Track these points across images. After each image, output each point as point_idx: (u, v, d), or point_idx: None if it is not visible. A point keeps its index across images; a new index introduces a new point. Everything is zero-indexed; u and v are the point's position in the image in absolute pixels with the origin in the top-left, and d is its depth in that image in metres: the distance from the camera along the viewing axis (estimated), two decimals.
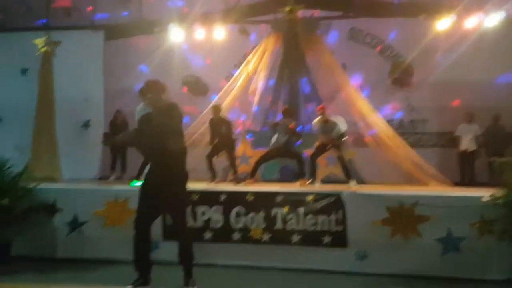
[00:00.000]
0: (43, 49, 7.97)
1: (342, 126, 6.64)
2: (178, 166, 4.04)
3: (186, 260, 4.08)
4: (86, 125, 8.19)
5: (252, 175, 6.77)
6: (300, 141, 7.18)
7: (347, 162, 6.71)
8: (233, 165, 7.13)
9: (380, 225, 5.04)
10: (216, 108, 7.24)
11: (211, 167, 7.08)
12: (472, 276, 4.82)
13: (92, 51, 8.22)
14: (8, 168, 5.54)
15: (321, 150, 6.86)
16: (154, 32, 8.47)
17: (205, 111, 7.83)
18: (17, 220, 5.27)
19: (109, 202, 5.53)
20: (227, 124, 7.14)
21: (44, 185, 5.88)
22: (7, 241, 5.33)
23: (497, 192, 4.87)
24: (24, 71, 8.29)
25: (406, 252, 4.97)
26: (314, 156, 6.86)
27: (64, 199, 5.66)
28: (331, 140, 6.62)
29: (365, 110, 7.65)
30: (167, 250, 5.23)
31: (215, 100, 8.09)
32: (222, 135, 7.03)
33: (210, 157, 7.08)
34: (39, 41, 7.95)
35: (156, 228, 5.24)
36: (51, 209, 5.61)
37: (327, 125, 6.62)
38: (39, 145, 7.92)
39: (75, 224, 5.57)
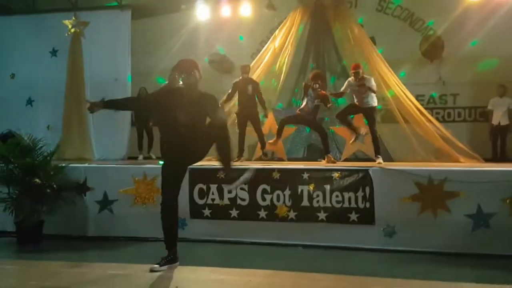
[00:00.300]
0: (72, 30, 8.13)
1: (374, 83, 6.42)
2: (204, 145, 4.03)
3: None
4: None
5: (278, 135, 6.66)
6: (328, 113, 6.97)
7: (378, 136, 6.53)
8: (261, 139, 6.91)
9: (409, 202, 4.97)
10: (245, 68, 6.91)
11: (241, 142, 6.82)
12: (503, 253, 4.72)
13: (120, 30, 8.26)
14: (40, 147, 5.71)
15: (349, 110, 6.66)
16: (181, 9, 8.44)
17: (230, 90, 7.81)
18: (49, 198, 5.46)
19: (137, 180, 5.65)
20: (255, 83, 6.82)
21: (74, 164, 6.08)
22: (39, 219, 5.50)
23: None
24: (54, 52, 8.46)
25: (435, 228, 4.91)
26: (342, 115, 6.65)
27: (94, 178, 5.81)
28: (364, 107, 6.41)
29: (394, 84, 7.43)
30: (194, 228, 5.43)
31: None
32: (247, 96, 6.70)
33: (240, 132, 6.82)
34: (68, 22, 8.10)
35: (184, 206, 5.41)
36: (81, 187, 5.77)
37: (362, 82, 6.34)
38: (70, 125, 8.18)
39: (105, 203, 5.71)
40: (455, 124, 8.31)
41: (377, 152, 6.40)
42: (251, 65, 7.68)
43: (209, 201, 5.47)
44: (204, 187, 5.48)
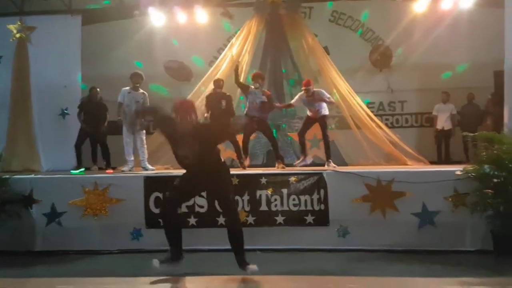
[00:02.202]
0: (17, 35, 7.78)
1: (326, 94, 6.65)
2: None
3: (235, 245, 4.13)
4: (64, 113, 7.98)
5: (245, 153, 6.70)
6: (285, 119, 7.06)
7: (329, 141, 6.75)
8: (236, 149, 6.83)
9: (360, 202, 5.21)
10: (218, 82, 6.93)
11: None
12: (447, 248, 5.04)
13: (69, 36, 7.97)
14: None
15: (307, 125, 6.86)
16: (134, 15, 8.30)
17: (188, 97, 7.77)
18: None
19: (88, 190, 5.44)
20: (228, 98, 6.84)
21: (19, 176, 5.75)
22: None
23: (469, 166, 5.09)
24: None
25: (385, 227, 5.17)
26: (302, 133, 6.86)
27: (41, 190, 5.52)
28: (317, 117, 6.63)
29: (346, 92, 7.74)
30: (150, 239, 5.31)
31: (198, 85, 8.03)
32: (221, 110, 6.67)
33: None
34: (13, 27, 7.74)
35: (139, 216, 5.31)
36: (27, 200, 5.45)
37: (313, 98, 6.54)
38: (15, 135, 7.74)
39: (53, 215, 5.43)
40: (403, 129, 8.79)
41: (329, 156, 6.62)
42: (208, 72, 7.71)
43: None
44: (161, 195, 5.35)
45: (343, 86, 7.75)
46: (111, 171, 6.78)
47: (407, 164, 7.07)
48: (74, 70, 8.04)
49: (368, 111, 7.84)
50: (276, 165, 6.64)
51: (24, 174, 6.09)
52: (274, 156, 6.87)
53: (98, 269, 4.47)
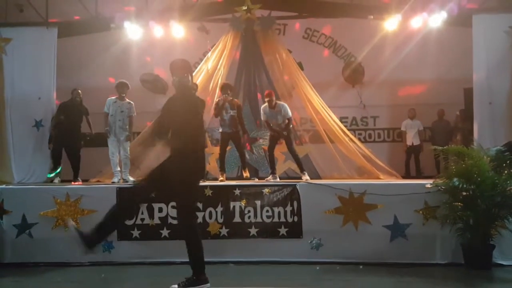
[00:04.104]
0: None
1: (289, 111, 6.75)
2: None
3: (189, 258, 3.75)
4: (38, 125, 7.87)
5: (223, 170, 6.75)
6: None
7: (298, 154, 6.85)
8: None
9: (333, 214, 5.30)
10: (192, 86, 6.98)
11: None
12: (418, 261, 5.13)
13: (45, 48, 7.88)
14: None
15: (274, 141, 6.95)
16: (110, 29, 8.31)
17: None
18: None
19: (59, 201, 5.41)
20: (202, 102, 6.86)
21: None
22: None
23: (439, 179, 5.23)
24: None
25: (357, 239, 5.25)
26: (271, 149, 6.95)
27: (12, 200, 5.49)
28: (280, 130, 6.72)
29: (319, 107, 7.89)
30: (122, 251, 5.28)
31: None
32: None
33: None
34: None
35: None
36: None
37: (275, 109, 6.70)
38: None
39: (23, 226, 5.39)
40: (376, 144, 9.00)
41: (302, 169, 6.68)
42: None
43: (139, 221, 5.36)
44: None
45: (317, 100, 7.91)
46: (80, 183, 6.69)
47: (379, 178, 7.21)
48: (49, 82, 7.95)
49: (342, 125, 8.00)
50: (243, 172, 6.76)
51: None
52: (248, 168, 6.97)
53: (68, 281, 4.43)
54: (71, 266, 5.15)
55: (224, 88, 6.73)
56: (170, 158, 3.72)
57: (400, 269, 4.92)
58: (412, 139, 8.49)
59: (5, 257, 5.37)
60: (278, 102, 6.86)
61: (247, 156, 7.88)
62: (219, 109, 6.65)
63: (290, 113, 6.75)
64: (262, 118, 7.08)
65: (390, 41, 8.34)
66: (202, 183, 5.83)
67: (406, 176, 8.17)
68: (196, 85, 7.00)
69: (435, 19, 7.47)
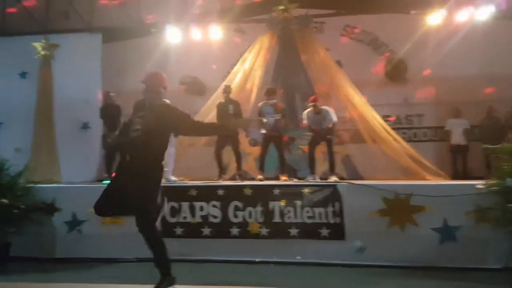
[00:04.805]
0: (42, 52, 8.06)
1: (334, 116, 6.66)
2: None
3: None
4: (85, 127, 8.22)
5: (261, 169, 6.76)
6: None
7: (334, 158, 6.71)
8: (237, 159, 6.92)
9: (377, 216, 5.09)
10: (227, 88, 6.99)
11: (220, 163, 6.86)
12: (469, 265, 4.86)
13: (90, 53, 8.26)
14: (8, 168, 5.60)
15: (316, 142, 6.85)
16: (151, 33, 8.54)
17: (202, 110, 7.89)
18: (17, 219, 5.32)
19: None
20: (236, 103, 6.87)
21: (43, 185, 5.94)
22: (6, 241, 5.37)
23: (491, 179, 4.93)
24: (23, 75, 8.33)
25: (403, 242, 5.02)
26: (311, 150, 6.85)
27: (63, 198, 5.72)
28: (323, 133, 6.63)
29: (361, 106, 7.69)
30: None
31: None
32: (228, 115, 6.66)
33: (218, 151, 6.86)
34: (38, 45, 8.03)
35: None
36: (50, 208, 5.66)
37: (320, 115, 6.63)
38: (39, 147, 7.96)
39: (74, 223, 5.62)
40: (422, 143, 8.62)
41: (332, 170, 6.55)
42: (221, 86, 7.78)
43: (181, 219, 5.44)
44: (176, 205, 5.44)
45: (358, 99, 7.72)
46: None
47: (426, 179, 6.93)
48: (94, 85, 8.29)
49: (385, 124, 7.74)
50: (280, 177, 6.66)
51: (47, 184, 6.24)
52: (287, 168, 6.91)
53: (115, 276, 4.54)
54: (118, 261, 5.30)
55: (269, 92, 6.75)
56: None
57: (450, 274, 4.68)
58: (457, 138, 8.09)
59: (56, 252, 5.60)
60: (323, 107, 6.74)
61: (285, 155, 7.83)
62: (261, 114, 6.71)
63: (335, 118, 6.65)
64: (304, 123, 6.95)
65: (434, 36, 8.03)
66: (240, 183, 5.98)
67: (454, 177, 7.79)
68: (230, 88, 7.12)
69: (482, 13, 7.11)
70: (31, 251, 5.52)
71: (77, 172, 7.81)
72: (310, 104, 6.70)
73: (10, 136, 8.14)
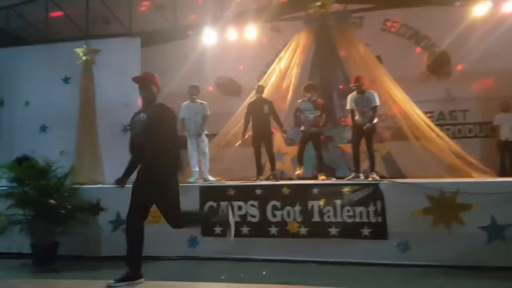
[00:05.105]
0: (83, 58, 8.36)
1: (377, 99, 6.25)
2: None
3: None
4: (126, 129, 8.45)
5: (300, 164, 6.69)
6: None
7: (374, 154, 6.38)
8: (271, 160, 6.83)
9: (421, 215, 4.92)
10: (260, 88, 6.98)
11: (259, 163, 6.82)
12: None
13: (130, 57, 8.47)
14: (54, 170, 5.83)
15: (358, 138, 6.44)
16: (188, 35, 8.67)
17: (238, 111, 7.91)
18: (64, 219, 5.53)
19: None
20: (270, 103, 6.83)
21: (88, 186, 6.19)
22: (54, 240, 5.58)
23: None
24: (66, 80, 8.68)
25: (449, 241, 4.84)
26: (355, 146, 6.46)
27: (107, 198, 5.88)
28: (363, 122, 6.23)
29: (403, 102, 7.44)
30: (206, 246, 5.45)
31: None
32: (263, 115, 6.69)
33: (256, 152, 6.82)
34: (80, 50, 8.35)
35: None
36: (95, 208, 5.86)
37: (364, 96, 6.21)
38: (82, 150, 8.24)
39: (118, 222, 5.75)
40: (467, 140, 8.26)
41: (372, 168, 6.22)
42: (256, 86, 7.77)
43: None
44: (215, 204, 5.50)
45: (399, 95, 7.46)
46: None
47: (472, 176, 6.61)
48: (134, 89, 8.46)
49: (428, 120, 7.43)
50: (318, 176, 6.54)
51: (92, 185, 6.50)
52: (324, 167, 6.79)
53: (157, 273, 4.62)
54: (160, 259, 5.41)
55: (307, 87, 6.66)
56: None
57: (498, 273, 4.46)
58: (507, 134, 7.64)
59: (102, 251, 5.78)
60: (368, 90, 6.35)
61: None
62: (299, 111, 6.64)
63: (377, 101, 6.23)
64: (347, 107, 6.50)
65: (479, 28, 7.68)
66: (278, 182, 5.93)
67: (502, 174, 7.37)
68: (263, 87, 7.08)
69: None
70: (78, 249, 5.73)
71: (119, 173, 8.03)
72: (353, 85, 6.29)
73: (55, 139, 8.51)
